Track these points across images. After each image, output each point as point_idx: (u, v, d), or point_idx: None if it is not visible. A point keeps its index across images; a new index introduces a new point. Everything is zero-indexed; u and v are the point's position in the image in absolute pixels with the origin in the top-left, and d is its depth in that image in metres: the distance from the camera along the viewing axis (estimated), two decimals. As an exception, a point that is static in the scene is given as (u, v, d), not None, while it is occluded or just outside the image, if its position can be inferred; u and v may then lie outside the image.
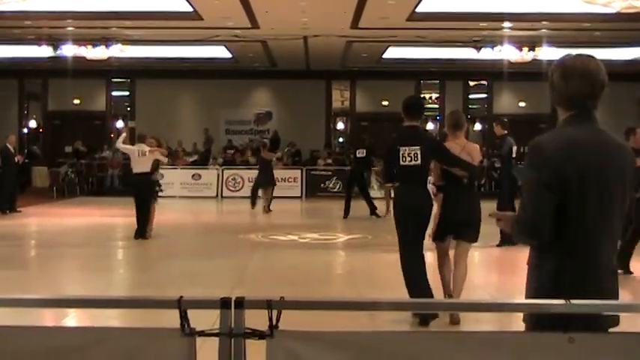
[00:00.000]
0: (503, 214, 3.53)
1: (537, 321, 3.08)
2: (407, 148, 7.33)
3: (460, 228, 7.53)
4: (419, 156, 7.30)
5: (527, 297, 3.22)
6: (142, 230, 13.93)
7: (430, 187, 7.84)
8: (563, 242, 3.13)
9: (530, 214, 3.13)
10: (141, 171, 14.08)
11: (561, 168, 3.10)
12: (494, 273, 11.47)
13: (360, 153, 19.39)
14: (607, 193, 3.13)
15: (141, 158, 14.06)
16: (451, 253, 7.81)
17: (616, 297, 3.19)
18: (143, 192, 14.10)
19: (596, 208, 3.11)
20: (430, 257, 8.04)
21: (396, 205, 7.63)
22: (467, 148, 7.72)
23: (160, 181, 15.44)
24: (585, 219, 3.10)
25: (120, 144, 14.93)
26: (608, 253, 3.19)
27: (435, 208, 7.81)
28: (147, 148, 14.11)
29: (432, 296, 7.17)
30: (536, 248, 3.24)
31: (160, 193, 15.23)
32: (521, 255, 12.02)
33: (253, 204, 20.64)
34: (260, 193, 20.97)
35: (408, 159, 7.34)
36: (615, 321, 3.09)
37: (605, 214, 3.14)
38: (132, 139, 14.97)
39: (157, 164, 14.49)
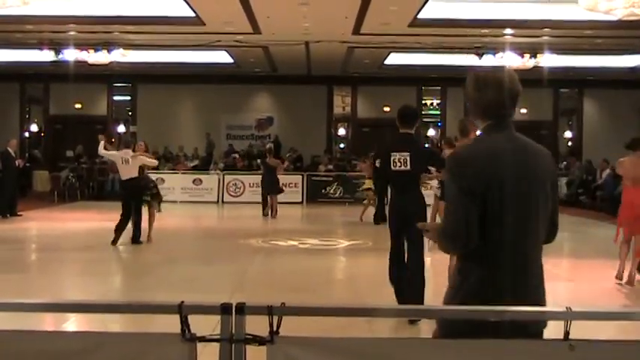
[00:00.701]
0: (430, 224, 3.58)
1: (450, 325, 3.14)
2: (397, 154, 7.62)
3: None
4: (408, 162, 7.57)
5: (445, 302, 3.28)
6: (137, 235, 13.87)
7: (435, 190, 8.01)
8: (488, 249, 3.16)
9: (455, 223, 3.18)
10: (126, 177, 13.94)
11: (482, 176, 3.15)
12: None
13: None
14: (529, 199, 3.21)
15: (125, 165, 13.89)
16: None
17: (543, 301, 3.25)
18: (132, 198, 13.91)
19: (518, 213, 3.17)
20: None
21: (390, 209, 7.93)
22: None
23: (157, 182, 15.25)
24: (509, 225, 3.16)
25: (102, 150, 14.53)
26: (534, 258, 3.27)
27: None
28: (130, 155, 13.91)
29: (400, 288, 7.69)
30: (462, 256, 3.28)
31: (154, 193, 14.68)
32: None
33: (264, 209, 20.66)
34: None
35: (399, 164, 7.60)
36: (541, 328, 3.18)
37: (529, 220, 3.21)
38: (128, 144, 14.66)
39: (142, 170, 14.22)
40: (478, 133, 3.43)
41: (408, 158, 7.58)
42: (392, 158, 7.64)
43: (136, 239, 13.87)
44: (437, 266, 9.14)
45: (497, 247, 3.16)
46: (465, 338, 2.82)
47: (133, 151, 14.19)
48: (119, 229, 13.74)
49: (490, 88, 3.33)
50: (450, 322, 3.16)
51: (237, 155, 28.15)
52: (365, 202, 20.30)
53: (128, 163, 13.83)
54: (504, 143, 3.26)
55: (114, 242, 13.66)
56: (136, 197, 13.97)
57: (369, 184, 20.79)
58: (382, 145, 8.75)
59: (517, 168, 3.20)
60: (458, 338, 2.85)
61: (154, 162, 14.93)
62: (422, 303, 7.36)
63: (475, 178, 3.16)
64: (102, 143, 14.52)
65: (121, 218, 13.86)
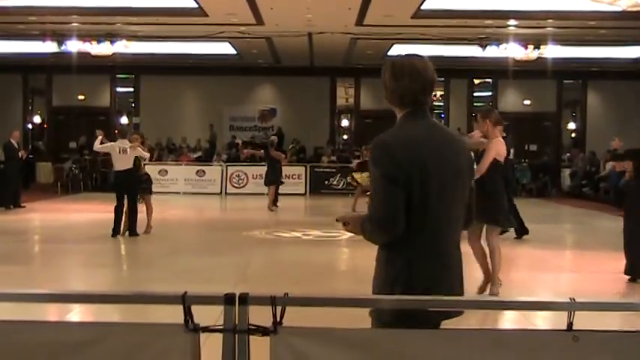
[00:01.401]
0: (349, 216, 3.60)
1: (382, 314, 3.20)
2: None
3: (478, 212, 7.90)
4: None
5: (378, 292, 3.34)
6: (116, 229, 13.74)
7: None
8: (412, 236, 3.22)
9: (381, 208, 3.23)
10: (122, 168, 13.80)
11: (405, 163, 3.21)
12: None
13: None
14: (448, 185, 3.26)
15: (122, 155, 13.75)
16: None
17: (461, 286, 3.35)
18: (126, 189, 13.78)
19: (439, 199, 3.23)
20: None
21: None
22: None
23: (150, 176, 14.97)
24: (430, 211, 3.22)
25: (97, 146, 14.43)
26: (454, 242, 3.35)
27: None
28: (127, 145, 13.80)
29: None
30: (386, 244, 3.33)
31: (151, 187, 14.66)
32: (522, 252, 12.02)
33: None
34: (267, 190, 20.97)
35: None
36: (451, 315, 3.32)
37: (449, 205, 3.28)
38: (124, 134, 14.57)
39: (138, 161, 14.10)
40: (398, 118, 3.47)
41: None
42: None
43: (132, 232, 13.75)
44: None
45: (422, 234, 3.23)
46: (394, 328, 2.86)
47: (130, 142, 14.05)
48: (117, 220, 13.72)
49: (407, 76, 3.39)
50: (381, 311, 3.24)
51: (246, 146, 28.04)
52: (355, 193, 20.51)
53: (126, 153, 13.71)
54: (423, 131, 3.33)
55: (115, 234, 13.65)
56: (131, 189, 13.82)
57: (356, 176, 20.78)
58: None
59: (438, 155, 3.26)
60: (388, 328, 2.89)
61: (146, 154, 14.82)
62: None
63: (398, 164, 3.20)
64: (99, 139, 14.40)
65: (115, 210, 13.76)
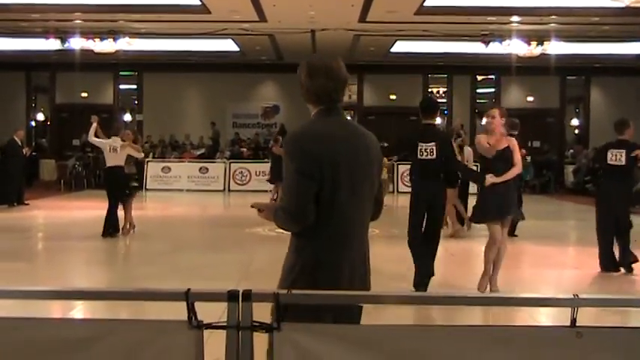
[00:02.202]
0: (264, 204, 3.75)
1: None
2: (424, 145, 8.30)
3: (501, 209, 8.32)
4: (434, 151, 8.27)
5: (285, 282, 3.42)
6: (114, 226, 13.44)
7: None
8: (321, 226, 3.36)
9: (293, 201, 3.36)
10: (113, 164, 13.49)
11: (317, 157, 3.35)
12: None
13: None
14: (358, 179, 3.42)
15: (112, 154, 13.48)
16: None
17: (366, 280, 3.53)
18: (115, 186, 13.49)
19: (349, 193, 3.38)
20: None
21: (414, 194, 8.62)
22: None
23: (136, 176, 14.68)
24: (340, 204, 3.37)
25: (92, 137, 14.03)
26: (361, 235, 3.51)
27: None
28: (119, 144, 13.48)
29: (427, 267, 8.44)
30: (296, 234, 3.46)
31: (135, 185, 14.25)
32: (525, 248, 12.02)
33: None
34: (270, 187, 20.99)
35: (425, 154, 8.30)
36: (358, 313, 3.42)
37: (358, 199, 3.43)
38: (117, 131, 14.02)
39: (130, 161, 13.89)
40: (312, 115, 3.61)
41: (435, 148, 8.28)
42: (419, 148, 8.31)
43: (111, 231, 13.36)
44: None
45: (330, 226, 3.37)
46: (303, 321, 2.88)
47: (122, 139, 13.70)
48: (112, 220, 13.45)
49: (322, 75, 3.51)
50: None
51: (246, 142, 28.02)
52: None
53: (116, 152, 13.43)
54: (336, 127, 3.49)
55: (114, 233, 13.44)
56: (119, 187, 13.53)
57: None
58: (407, 136, 9.76)
59: (349, 150, 3.41)
60: (298, 320, 2.90)
61: (140, 154, 14.63)
62: (431, 268, 8.48)
63: (310, 158, 3.35)
64: (94, 126, 13.98)
65: (108, 209, 13.46)
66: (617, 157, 9.90)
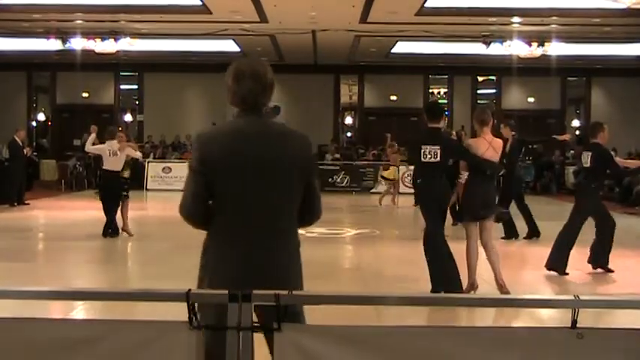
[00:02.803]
0: None
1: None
2: (428, 147, 8.38)
3: (483, 210, 8.45)
4: (438, 154, 8.34)
5: (197, 280, 3.46)
6: (111, 227, 13.27)
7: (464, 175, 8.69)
8: (223, 226, 3.41)
9: (186, 202, 3.45)
10: (112, 168, 13.30)
11: (214, 157, 3.39)
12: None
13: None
14: (267, 180, 3.38)
15: (112, 158, 13.28)
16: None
17: (292, 281, 3.40)
18: (113, 189, 13.32)
19: (253, 192, 3.37)
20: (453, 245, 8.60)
21: (422, 196, 8.76)
22: (492, 144, 8.53)
23: (128, 180, 14.22)
24: (242, 203, 3.37)
25: (89, 147, 13.96)
26: (277, 237, 3.43)
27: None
28: (117, 147, 13.30)
29: (453, 267, 8.34)
30: (207, 233, 3.49)
31: (125, 195, 13.73)
32: (526, 249, 12.01)
33: None
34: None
35: (429, 156, 8.38)
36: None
37: (265, 198, 3.38)
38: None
39: (130, 163, 13.83)
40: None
41: (439, 151, 8.36)
42: (422, 150, 8.40)
43: (109, 231, 13.27)
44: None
45: (230, 226, 3.39)
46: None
47: (119, 143, 13.50)
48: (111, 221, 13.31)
49: (248, 79, 3.52)
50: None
51: None
52: (386, 188, 21.17)
53: (117, 155, 13.27)
54: (249, 127, 3.47)
55: (113, 233, 13.30)
56: (115, 189, 13.36)
57: (391, 173, 20.87)
58: (412, 138, 10.06)
59: (255, 150, 3.40)
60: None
61: (139, 154, 14.47)
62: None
63: (205, 158, 3.39)
64: (92, 136, 13.97)
65: (106, 212, 13.32)
66: (585, 159, 10.11)
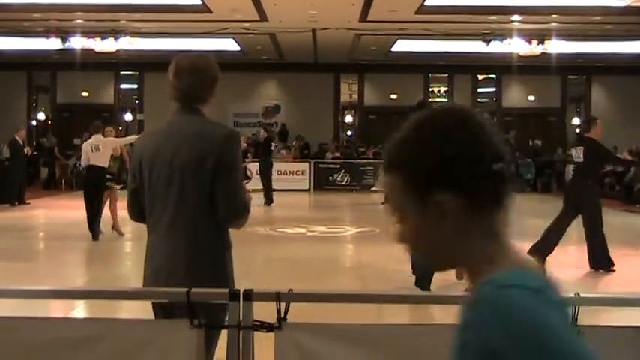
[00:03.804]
0: None
1: (163, 307, 3.29)
2: None
3: None
4: None
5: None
6: (96, 227, 12.97)
7: None
8: (151, 222, 3.48)
9: (128, 194, 3.56)
10: (95, 163, 12.93)
11: (142, 154, 3.48)
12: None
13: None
14: (184, 179, 3.36)
15: (95, 153, 12.92)
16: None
17: (187, 273, 3.31)
18: (95, 185, 13.03)
19: (171, 192, 3.37)
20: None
21: None
22: None
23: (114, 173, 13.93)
24: (160, 200, 3.41)
25: (84, 163, 13.41)
26: (187, 233, 3.38)
27: None
28: (100, 142, 12.98)
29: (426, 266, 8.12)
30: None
31: (109, 183, 13.47)
32: (526, 247, 12.00)
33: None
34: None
35: None
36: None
37: (179, 196, 3.36)
38: (97, 129, 13.38)
39: (119, 159, 13.66)
40: None
41: None
42: None
43: (95, 234, 12.93)
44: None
45: (155, 220, 3.44)
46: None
47: (104, 136, 13.29)
48: (95, 220, 12.97)
49: (187, 74, 3.52)
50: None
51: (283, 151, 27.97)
52: None
53: (99, 151, 12.91)
54: (176, 126, 3.53)
55: (95, 237, 12.94)
56: (98, 185, 13.05)
57: None
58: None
59: (175, 148, 3.40)
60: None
61: (127, 139, 14.18)
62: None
63: (138, 155, 3.52)
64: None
65: (87, 210, 12.99)
66: (578, 154, 10.24)
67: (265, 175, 20.47)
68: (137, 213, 3.54)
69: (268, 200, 20.11)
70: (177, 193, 3.36)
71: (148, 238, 3.52)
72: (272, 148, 20.24)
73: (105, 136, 13.38)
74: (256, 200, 20.69)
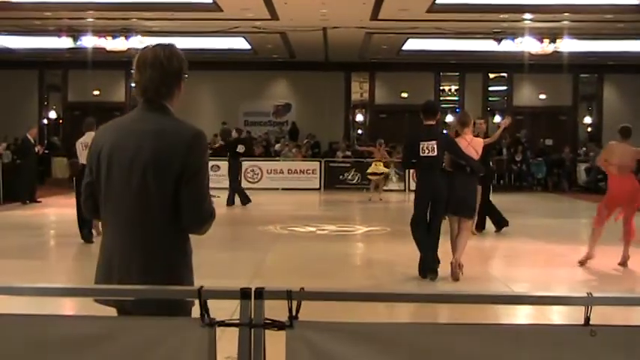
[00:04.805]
0: None
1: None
2: (426, 143, 9.18)
3: (459, 206, 9.26)
4: (435, 149, 9.16)
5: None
6: (84, 227, 12.47)
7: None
8: (104, 220, 3.39)
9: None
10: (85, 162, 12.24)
11: (96, 150, 3.33)
12: (508, 265, 11.39)
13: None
14: (134, 176, 3.22)
15: (85, 151, 12.06)
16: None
17: (143, 273, 3.24)
18: (78, 183, 12.20)
19: (120, 189, 3.26)
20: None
21: (417, 187, 9.69)
22: (472, 143, 9.58)
23: None
24: (110, 199, 3.29)
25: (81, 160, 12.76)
26: (141, 231, 3.26)
27: None
28: (90, 139, 12.42)
29: (431, 252, 9.20)
30: None
31: None
32: (538, 247, 11.97)
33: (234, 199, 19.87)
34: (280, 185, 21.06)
35: (427, 151, 9.18)
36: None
37: (134, 195, 3.23)
38: (90, 126, 13.03)
39: None
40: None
41: (435, 146, 9.15)
42: (420, 146, 9.18)
43: (87, 237, 12.50)
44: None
45: (108, 217, 3.34)
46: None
47: None
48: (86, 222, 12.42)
49: (149, 67, 3.38)
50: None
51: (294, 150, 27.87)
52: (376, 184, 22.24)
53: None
54: (135, 124, 3.34)
55: (89, 238, 12.48)
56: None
57: (379, 167, 21.47)
58: (410, 135, 10.99)
59: (131, 145, 3.24)
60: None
61: None
62: (436, 256, 9.26)
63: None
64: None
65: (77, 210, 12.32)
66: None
67: (234, 175, 19.78)
68: (90, 207, 3.41)
69: (244, 200, 19.50)
70: (137, 191, 3.22)
71: (103, 234, 3.46)
72: (239, 150, 19.76)
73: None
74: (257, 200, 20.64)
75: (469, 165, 9.25)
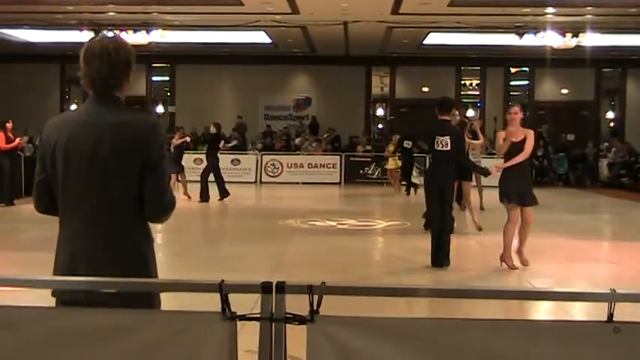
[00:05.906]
0: None
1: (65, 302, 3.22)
2: (440, 137, 9.78)
3: (523, 195, 9.42)
4: (449, 144, 9.74)
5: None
6: None
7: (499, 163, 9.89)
8: (61, 216, 3.36)
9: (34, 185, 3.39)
10: None
11: (48, 143, 3.28)
12: (529, 260, 11.33)
13: None
14: (96, 169, 3.19)
15: None
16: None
17: (107, 267, 3.22)
18: None
19: (81, 183, 3.22)
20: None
21: (427, 179, 10.35)
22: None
23: None
24: (71, 194, 3.25)
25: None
26: (105, 225, 3.24)
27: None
28: None
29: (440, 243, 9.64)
30: None
31: None
32: (560, 242, 11.92)
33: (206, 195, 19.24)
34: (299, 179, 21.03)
35: (441, 145, 9.77)
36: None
37: (94, 189, 3.21)
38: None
39: None
40: None
41: (449, 140, 9.71)
42: (435, 140, 9.76)
43: None
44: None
45: (64, 214, 3.32)
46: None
47: None
48: None
49: (96, 59, 3.33)
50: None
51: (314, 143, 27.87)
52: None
53: None
54: (87, 116, 3.30)
55: None
56: None
57: (393, 163, 21.69)
58: (425, 128, 11.93)
59: (85, 139, 3.21)
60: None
61: None
62: (448, 244, 9.76)
63: (43, 145, 3.32)
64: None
65: None
66: None
67: (214, 170, 19.40)
68: (45, 205, 3.40)
69: (223, 194, 19.24)
70: (99, 184, 3.21)
71: (60, 230, 3.40)
72: (220, 145, 19.48)
73: None
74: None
75: (472, 168, 10.23)
